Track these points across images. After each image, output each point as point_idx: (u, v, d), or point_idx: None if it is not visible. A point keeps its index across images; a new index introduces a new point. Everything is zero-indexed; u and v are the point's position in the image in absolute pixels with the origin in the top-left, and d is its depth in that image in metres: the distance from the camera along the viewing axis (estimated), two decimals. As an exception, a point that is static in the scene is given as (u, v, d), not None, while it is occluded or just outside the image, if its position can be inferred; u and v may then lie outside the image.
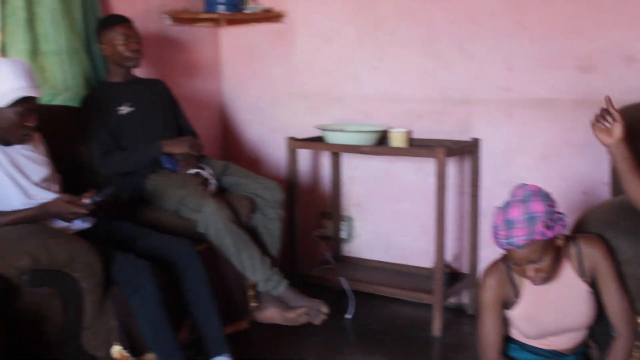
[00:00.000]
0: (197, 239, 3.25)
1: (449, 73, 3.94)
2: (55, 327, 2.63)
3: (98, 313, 2.71)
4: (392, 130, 3.88)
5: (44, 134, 3.09)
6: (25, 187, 2.85)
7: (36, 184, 2.90)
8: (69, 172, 3.22)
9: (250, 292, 3.45)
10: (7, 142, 2.87)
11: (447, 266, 3.83)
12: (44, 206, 2.80)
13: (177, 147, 3.54)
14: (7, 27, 3.46)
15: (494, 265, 2.52)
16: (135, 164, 3.50)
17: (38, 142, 3.08)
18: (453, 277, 3.89)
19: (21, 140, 2.87)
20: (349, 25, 4.23)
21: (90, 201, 2.81)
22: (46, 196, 2.86)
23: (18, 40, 3.50)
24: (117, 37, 3.54)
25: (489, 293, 2.48)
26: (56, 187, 3.02)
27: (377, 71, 4.17)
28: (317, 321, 3.48)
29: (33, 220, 2.78)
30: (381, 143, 3.97)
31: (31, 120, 2.83)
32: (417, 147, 3.87)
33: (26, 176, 2.88)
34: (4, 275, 2.48)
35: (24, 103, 2.77)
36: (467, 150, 3.86)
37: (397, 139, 3.82)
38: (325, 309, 3.47)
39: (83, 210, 2.79)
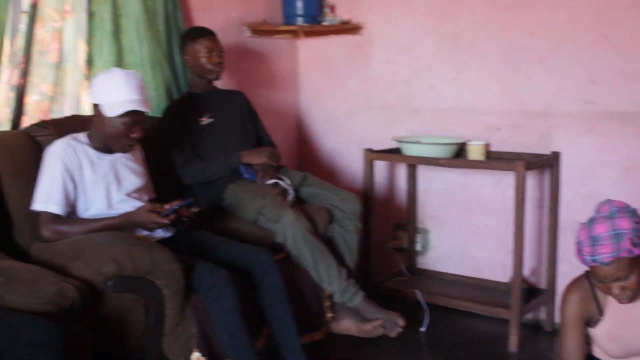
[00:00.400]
0: (275, 248, 3.28)
1: (528, 85, 3.89)
2: (137, 332, 2.69)
3: (178, 320, 2.76)
4: (470, 142, 3.86)
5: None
6: (112, 197, 2.95)
7: (128, 194, 2.99)
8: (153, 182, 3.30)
9: (327, 303, 3.46)
10: (110, 150, 2.98)
11: (524, 281, 3.77)
12: (127, 215, 2.88)
13: (256, 158, 3.58)
14: (94, 39, 3.56)
15: (577, 281, 2.47)
16: (215, 174, 3.55)
17: (137, 151, 3.17)
18: (530, 292, 3.82)
19: (124, 150, 2.98)
20: (427, 37, 4.22)
21: (170, 208, 2.86)
22: (134, 205, 2.94)
23: (104, 52, 3.59)
24: (200, 49, 3.61)
25: (572, 310, 2.43)
26: (146, 197, 3.10)
27: (455, 83, 4.15)
28: (393, 334, 3.46)
29: (116, 228, 2.86)
30: (458, 155, 3.95)
31: (137, 132, 2.92)
32: (495, 160, 3.83)
33: (120, 185, 2.97)
34: (90, 281, 2.56)
35: (133, 115, 2.87)
36: (546, 163, 3.79)
37: (474, 152, 3.79)
38: (401, 322, 3.45)
39: (165, 221, 2.85)
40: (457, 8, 4.09)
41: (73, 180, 2.87)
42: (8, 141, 3.06)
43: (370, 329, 3.44)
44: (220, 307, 2.78)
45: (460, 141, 3.96)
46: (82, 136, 2.99)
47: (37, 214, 2.85)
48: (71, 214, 2.90)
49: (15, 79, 3.25)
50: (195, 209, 2.97)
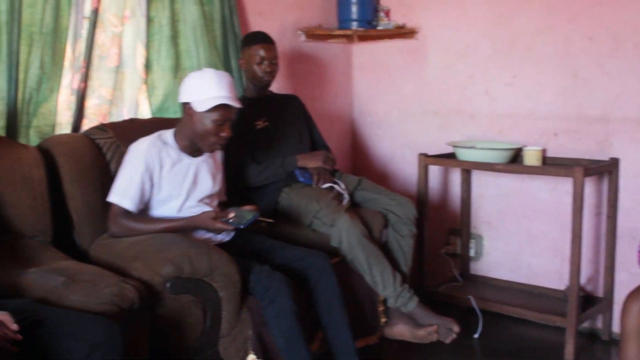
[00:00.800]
0: (330, 252, 3.28)
1: (586, 90, 3.83)
2: (194, 333, 2.72)
3: (235, 322, 2.78)
4: (526, 148, 3.81)
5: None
6: (185, 200, 3.00)
7: (200, 200, 3.04)
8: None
9: (381, 307, 3.45)
10: (195, 152, 3.03)
11: (581, 289, 3.71)
12: (191, 220, 2.92)
13: (311, 161, 3.59)
14: (152, 43, 3.62)
15: (639, 290, 2.42)
16: (270, 177, 3.56)
17: (217, 156, 3.22)
18: (587, 300, 3.76)
19: (211, 149, 3.01)
20: (483, 41, 4.19)
21: (234, 225, 2.88)
22: (203, 209, 3.00)
23: (162, 57, 3.65)
24: (254, 56, 3.63)
25: (633, 320, 2.39)
26: (216, 202, 3.15)
27: (512, 88, 4.11)
28: (448, 340, 3.44)
29: (180, 231, 2.91)
30: (514, 161, 3.90)
31: (226, 131, 2.95)
32: (552, 166, 3.78)
33: (195, 189, 3.03)
34: (149, 282, 2.59)
35: (223, 112, 2.91)
36: (605, 170, 3.73)
37: (531, 157, 3.75)
38: (456, 328, 3.43)
39: (228, 227, 2.88)
40: (515, 12, 4.04)
41: (151, 179, 2.92)
42: (69, 144, 3.12)
43: (424, 334, 3.42)
44: (277, 310, 2.80)
45: (516, 146, 3.91)
46: (169, 135, 3.04)
47: (110, 205, 2.92)
48: (142, 211, 2.96)
49: (76, 83, 3.32)
50: (269, 221, 3.00)
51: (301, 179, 3.56)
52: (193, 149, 3.04)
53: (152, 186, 2.93)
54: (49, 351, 2.14)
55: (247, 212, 2.91)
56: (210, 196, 3.09)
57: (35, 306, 2.28)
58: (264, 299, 2.81)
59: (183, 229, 2.91)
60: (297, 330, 2.80)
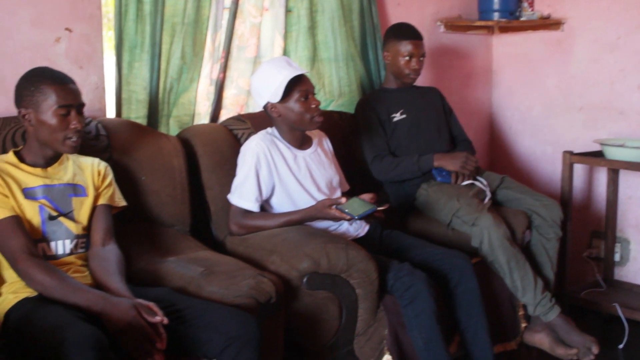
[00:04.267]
0: (470, 253, 3.14)
1: None
2: (329, 330, 2.67)
3: (371, 320, 2.71)
4: (683, 147, 3.56)
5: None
6: (305, 192, 2.94)
7: (319, 190, 2.98)
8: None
9: (521, 312, 3.29)
10: (303, 144, 3.01)
11: None
12: (308, 211, 2.87)
13: (449, 164, 3.42)
14: (290, 34, 3.61)
15: None
16: (404, 173, 3.46)
17: (325, 145, 3.17)
18: None
19: (313, 125, 2.94)
20: (637, 33, 3.94)
21: (350, 215, 2.78)
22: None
23: (299, 47, 3.63)
24: (401, 51, 3.52)
25: None
26: (339, 192, 3.08)
27: (668, 82, 3.85)
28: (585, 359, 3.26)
29: (299, 223, 2.86)
30: (669, 161, 3.65)
31: (313, 102, 2.90)
32: None
33: (313, 181, 2.98)
34: (285, 276, 2.56)
35: (298, 88, 2.86)
36: None
37: (689, 158, 3.49)
38: (596, 350, 3.22)
39: (344, 217, 2.78)
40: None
41: (268, 175, 2.89)
42: (207, 134, 3.14)
43: (563, 354, 3.25)
44: (417, 309, 2.70)
45: (672, 146, 3.66)
46: (275, 131, 3.02)
47: (231, 206, 2.91)
48: (262, 208, 2.93)
49: (215, 73, 3.34)
50: (384, 207, 2.89)
51: (439, 179, 3.43)
52: (299, 142, 3.00)
53: (269, 182, 2.90)
54: (185, 341, 2.15)
55: (364, 203, 2.78)
56: (329, 185, 3.02)
57: (174, 295, 2.30)
58: (404, 298, 2.72)
59: (302, 220, 2.86)
60: (437, 332, 2.70)
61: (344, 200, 2.78)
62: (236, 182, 2.90)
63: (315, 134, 3.13)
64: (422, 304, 2.70)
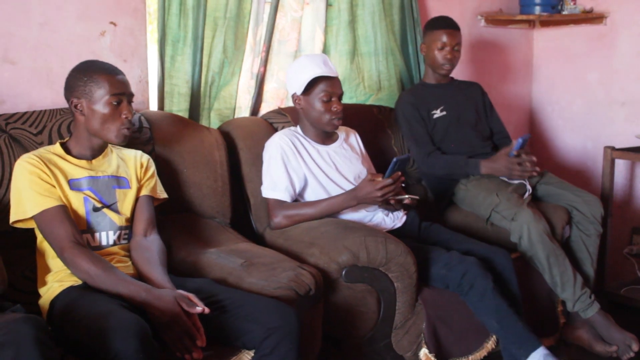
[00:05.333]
0: (507, 248, 3.13)
1: None
2: (368, 323, 2.68)
3: (409, 314, 2.72)
4: None
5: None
6: (334, 185, 2.96)
7: (348, 181, 2.99)
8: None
9: (560, 307, 3.26)
10: (326, 139, 3.04)
11: None
12: (351, 191, 2.88)
13: (496, 173, 3.37)
14: (330, 28, 3.62)
15: None
16: (450, 175, 3.45)
17: (353, 139, 3.18)
18: None
19: (331, 126, 2.97)
20: (682, 27, 3.88)
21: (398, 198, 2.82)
22: None
23: (340, 41, 3.64)
24: (436, 41, 3.52)
25: None
26: None
27: None
28: (625, 357, 3.20)
29: (342, 206, 2.88)
30: None
31: (336, 105, 2.93)
32: None
33: (340, 174, 2.99)
34: (324, 269, 2.58)
35: (324, 87, 2.91)
36: None
37: None
38: (636, 347, 3.17)
39: (390, 188, 2.78)
40: None
41: (297, 165, 2.92)
42: (248, 127, 3.17)
43: (602, 351, 3.21)
44: (479, 293, 2.72)
45: None
46: (298, 129, 3.07)
47: (267, 201, 2.93)
48: (296, 201, 2.96)
49: (256, 67, 3.36)
50: (415, 198, 2.91)
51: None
52: (322, 138, 3.04)
53: (298, 170, 2.92)
54: (226, 331, 2.18)
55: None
56: (356, 180, 3.00)
57: (214, 286, 2.32)
58: (462, 286, 2.74)
59: (345, 203, 2.87)
60: (506, 307, 2.72)
61: (379, 179, 2.80)
62: (266, 176, 2.93)
63: (343, 130, 3.16)
64: (482, 286, 2.71)
